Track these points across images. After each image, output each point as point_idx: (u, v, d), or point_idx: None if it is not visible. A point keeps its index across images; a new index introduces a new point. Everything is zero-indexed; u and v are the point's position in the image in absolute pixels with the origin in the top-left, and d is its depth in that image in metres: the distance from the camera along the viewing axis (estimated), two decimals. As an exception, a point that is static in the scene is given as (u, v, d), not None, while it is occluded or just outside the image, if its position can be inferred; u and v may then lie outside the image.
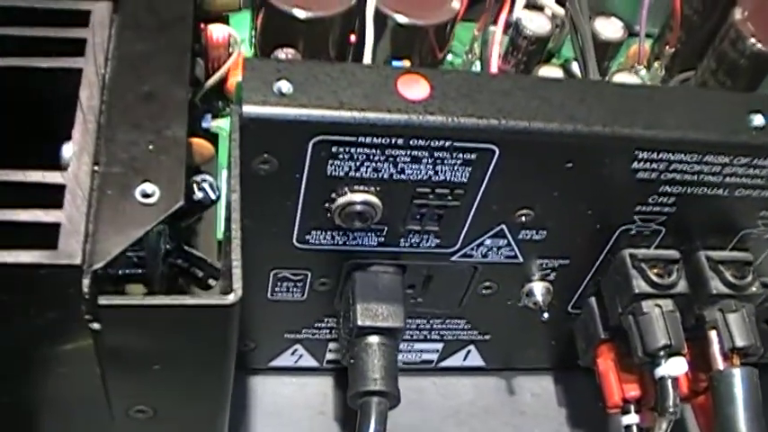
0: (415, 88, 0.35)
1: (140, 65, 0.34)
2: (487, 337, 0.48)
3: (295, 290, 0.42)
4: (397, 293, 0.40)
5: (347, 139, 0.34)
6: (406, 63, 0.41)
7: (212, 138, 0.50)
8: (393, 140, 0.34)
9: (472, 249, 0.41)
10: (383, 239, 0.39)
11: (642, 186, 0.38)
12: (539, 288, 0.43)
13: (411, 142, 0.35)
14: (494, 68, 0.52)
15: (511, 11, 0.54)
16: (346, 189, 0.36)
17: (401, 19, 0.45)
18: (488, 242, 0.40)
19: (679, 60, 0.55)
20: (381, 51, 0.45)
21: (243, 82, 0.34)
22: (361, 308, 0.40)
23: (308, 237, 0.39)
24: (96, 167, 0.31)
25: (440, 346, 0.48)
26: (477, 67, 0.54)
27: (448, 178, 0.36)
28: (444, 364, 0.50)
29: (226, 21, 0.50)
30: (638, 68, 0.55)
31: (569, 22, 0.49)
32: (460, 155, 0.35)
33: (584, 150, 0.36)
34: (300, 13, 0.44)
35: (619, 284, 0.42)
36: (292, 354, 0.47)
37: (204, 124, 0.49)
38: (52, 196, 0.30)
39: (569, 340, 0.47)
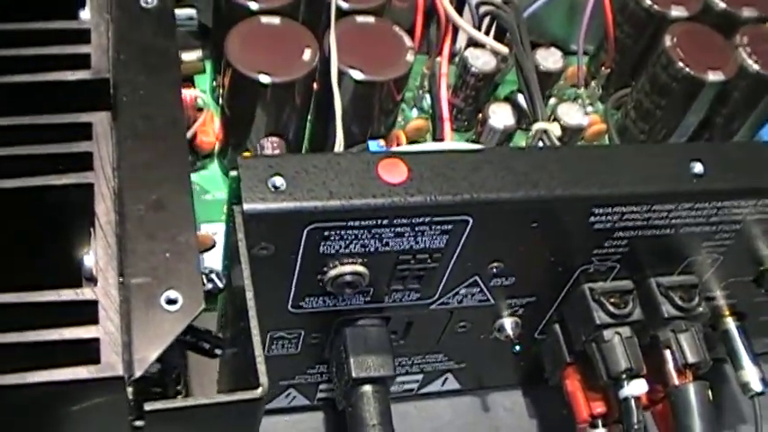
0: (395, 172, 0.40)
1: (145, 174, 0.38)
2: (463, 365, 0.54)
3: (289, 346, 0.47)
4: (385, 344, 0.46)
5: (338, 224, 0.39)
6: (382, 142, 0.46)
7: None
8: (378, 221, 0.40)
9: (449, 298, 0.46)
10: (369, 299, 0.45)
11: (599, 234, 0.44)
12: (509, 323, 0.49)
13: (395, 221, 0.40)
14: (443, 101, 0.57)
15: (453, 41, 0.60)
16: (337, 263, 0.42)
17: (358, 76, 0.50)
18: (463, 291, 0.46)
19: (614, 79, 0.62)
20: (343, 107, 0.51)
21: (240, 180, 0.39)
22: (354, 361, 0.45)
23: (301, 303, 0.44)
24: (121, 279, 0.36)
25: (420, 376, 0.54)
26: (427, 100, 0.60)
27: (427, 246, 0.42)
28: (424, 390, 0.56)
29: (191, 81, 0.55)
30: (577, 92, 0.61)
31: (513, 59, 0.55)
32: (438, 226, 0.41)
33: (548, 212, 0.42)
34: (265, 79, 0.48)
35: (581, 316, 0.48)
36: (286, 396, 0.53)
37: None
38: (84, 311, 0.35)
39: (537, 361, 0.54)
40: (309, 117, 0.54)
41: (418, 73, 0.60)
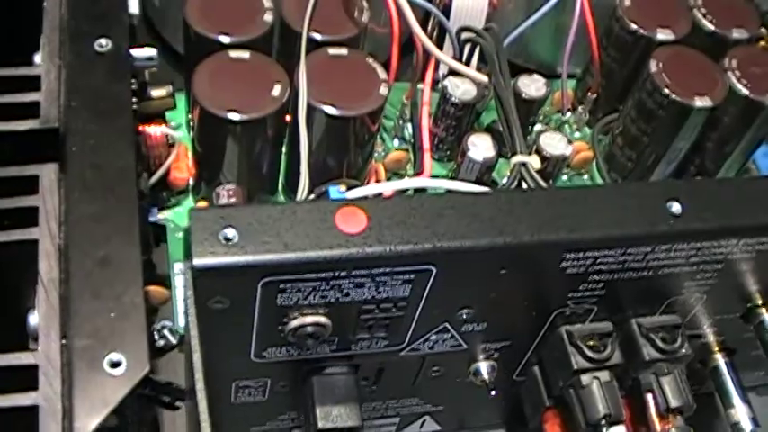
0: (353, 221, 0.39)
1: (92, 228, 0.37)
2: (440, 407, 0.53)
3: (256, 393, 0.46)
4: (353, 393, 0.44)
5: (293, 276, 0.38)
6: (342, 188, 0.45)
7: (160, 229, 0.54)
8: (336, 273, 0.39)
9: (419, 344, 0.45)
10: (335, 347, 0.43)
11: (572, 279, 0.42)
12: (484, 367, 0.48)
13: (353, 272, 0.39)
14: (424, 131, 0.56)
15: (436, 68, 0.58)
16: (297, 314, 0.40)
17: (330, 111, 0.49)
18: (434, 337, 0.45)
19: (602, 104, 0.60)
20: (317, 142, 0.50)
21: (191, 234, 0.37)
22: (320, 412, 0.44)
23: (264, 353, 0.43)
24: (64, 341, 0.35)
25: (396, 419, 0.53)
26: (408, 130, 0.59)
27: (390, 295, 0.40)
28: (402, 432, 0.55)
29: (163, 117, 0.54)
30: (562, 117, 0.60)
31: (492, 89, 0.54)
32: (400, 276, 0.40)
33: (516, 259, 0.41)
34: (234, 117, 0.47)
35: (558, 360, 0.46)
36: (259, 441, 0.52)
37: (151, 218, 0.53)
38: (24, 376, 0.34)
39: (517, 401, 0.52)
40: (284, 149, 0.53)
41: (399, 101, 0.59)
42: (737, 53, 0.56)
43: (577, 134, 0.62)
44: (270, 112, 0.48)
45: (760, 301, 0.49)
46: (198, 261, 0.36)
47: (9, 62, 0.43)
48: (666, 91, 0.54)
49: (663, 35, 0.57)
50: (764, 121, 0.56)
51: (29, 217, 0.37)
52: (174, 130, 0.56)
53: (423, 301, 0.41)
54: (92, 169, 0.39)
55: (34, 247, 0.36)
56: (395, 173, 0.58)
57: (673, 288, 0.45)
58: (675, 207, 0.42)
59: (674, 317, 0.47)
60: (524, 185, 0.49)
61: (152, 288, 0.39)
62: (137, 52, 0.45)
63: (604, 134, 0.60)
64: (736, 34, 0.58)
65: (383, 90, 0.50)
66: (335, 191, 0.44)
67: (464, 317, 0.43)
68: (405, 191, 0.51)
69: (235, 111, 0.47)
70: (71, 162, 0.38)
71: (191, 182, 0.54)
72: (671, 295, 0.46)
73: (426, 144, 0.56)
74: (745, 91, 0.55)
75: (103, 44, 0.42)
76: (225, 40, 0.51)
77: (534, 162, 0.50)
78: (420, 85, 0.58)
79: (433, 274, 0.40)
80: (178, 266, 0.52)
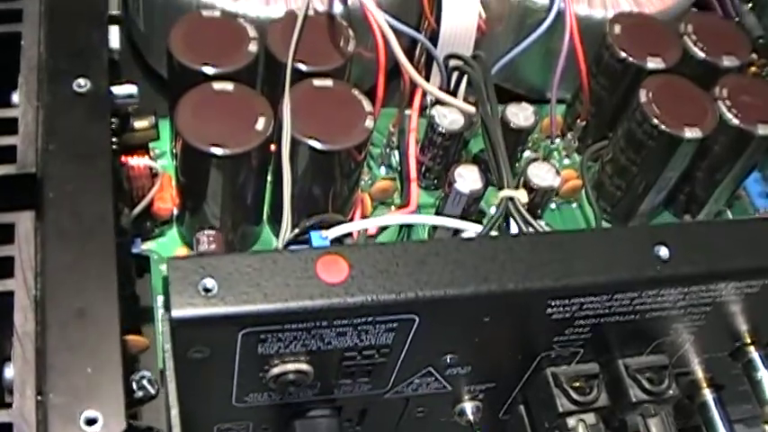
0: (334, 270, 0.38)
1: (69, 279, 0.37)
2: (427, 446, 0.53)
3: (239, 436, 0.46)
4: (336, 437, 0.44)
5: (274, 327, 0.38)
6: (325, 233, 0.45)
7: (143, 260, 0.53)
8: (318, 323, 0.38)
9: (403, 387, 0.44)
10: (317, 391, 0.43)
11: (558, 324, 0.42)
12: (469, 407, 0.47)
13: (335, 322, 0.38)
14: (411, 160, 0.56)
15: (424, 94, 0.58)
16: (278, 361, 0.40)
17: (315, 145, 0.48)
18: (418, 381, 0.44)
19: (591, 131, 0.60)
20: (302, 174, 0.49)
21: (169, 284, 0.37)
22: (302, 456, 0.44)
23: (246, 398, 0.42)
24: (39, 397, 0.35)
25: (382, 457, 0.53)
26: (395, 157, 0.58)
27: (373, 343, 0.40)
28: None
29: (146, 148, 0.53)
30: (551, 145, 0.59)
31: (480, 119, 0.53)
32: (383, 325, 0.39)
33: (500, 306, 0.40)
34: (217, 151, 0.47)
35: (543, 402, 0.46)
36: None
37: (135, 249, 0.52)
38: (-1, 434, 0.34)
39: (504, 437, 0.52)
40: (270, 178, 0.53)
41: (386, 128, 0.58)
42: (728, 82, 0.56)
43: (566, 161, 0.61)
44: (253, 147, 0.47)
45: (748, 340, 0.48)
46: (176, 313, 0.36)
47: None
48: (656, 122, 0.53)
49: (653, 64, 0.56)
50: (755, 149, 0.56)
51: (4, 268, 0.36)
52: (158, 159, 0.55)
53: (406, 348, 0.41)
54: (69, 216, 0.38)
55: (10, 299, 0.36)
56: (381, 202, 0.57)
57: (660, 330, 0.45)
58: (663, 251, 0.41)
59: (661, 357, 0.47)
60: (511, 220, 0.49)
61: (131, 338, 0.39)
62: (117, 90, 0.44)
63: (593, 161, 0.60)
64: (727, 62, 0.58)
65: (369, 123, 0.50)
66: (318, 236, 0.44)
67: (448, 361, 0.43)
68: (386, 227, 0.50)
69: (218, 145, 0.47)
70: (48, 209, 0.38)
71: (175, 211, 0.53)
72: (658, 337, 0.46)
73: (413, 173, 0.55)
74: (735, 121, 0.55)
75: (82, 84, 0.41)
76: (209, 71, 0.50)
77: (521, 196, 0.50)
78: (407, 111, 0.58)
79: (417, 323, 0.39)
80: (161, 299, 0.51)
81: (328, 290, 0.38)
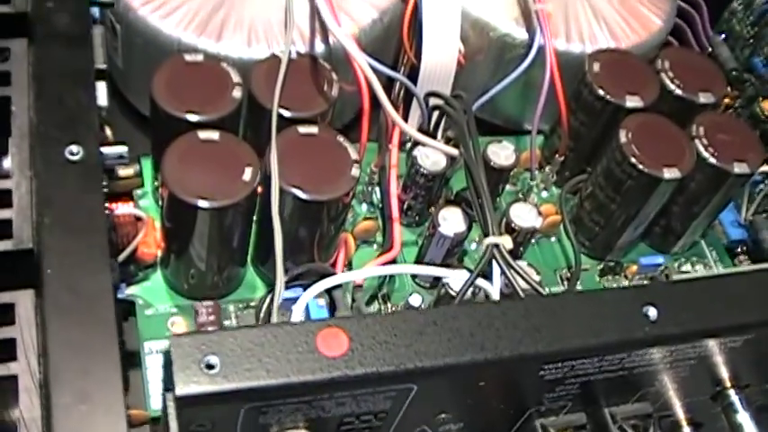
0: (335, 343, 0.39)
1: (72, 359, 0.37)
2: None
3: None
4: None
5: (276, 401, 0.39)
6: (321, 302, 0.45)
7: (128, 305, 0.54)
8: (318, 395, 0.39)
9: (397, 444, 0.46)
10: (314, 451, 0.44)
11: (549, 383, 0.43)
12: (460, 457, 0.49)
13: (335, 393, 0.39)
14: (393, 200, 0.57)
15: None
16: (277, 429, 0.41)
17: (302, 195, 0.49)
18: (411, 437, 0.46)
19: (568, 164, 0.61)
20: (288, 221, 0.50)
21: (173, 361, 0.37)
22: None
23: (243, 462, 0.43)
24: (47, 484, 0.35)
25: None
26: (377, 194, 0.59)
27: (371, 409, 0.41)
28: None
29: (130, 195, 0.54)
30: (530, 181, 0.60)
31: (463, 161, 0.54)
32: (381, 394, 0.40)
33: (495, 372, 0.41)
34: (204, 204, 0.47)
35: (534, 452, 0.48)
36: None
37: (120, 295, 0.53)
38: None
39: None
40: (255, 218, 0.53)
41: (368, 164, 0.59)
42: (704, 120, 0.58)
43: (544, 193, 0.63)
44: (241, 199, 0.48)
45: (728, 384, 0.50)
46: (181, 391, 0.37)
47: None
48: (636, 162, 0.55)
49: (631, 102, 0.58)
50: (731, 186, 0.57)
51: (7, 351, 0.37)
52: (140, 199, 0.56)
53: (402, 412, 0.42)
54: (68, 293, 0.38)
55: (13, 384, 0.36)
56: (364, 241, 0.58)
57: (646, 382, 0.47)
58: (652, 312, 0.43)
59: (645, 405, 0.48)
60: (494, 264, 0.50)
61: (133, 412, 0.39)
62: (108, 150, 0.45)
63: (572, 194, 0.61)
64: (703, 99, 0.59)
65: (355, 172, 0.50)
66: (315, 305, 0.44)
67: (442, 419, 0.44)
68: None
69: (206, 198, 0.47)
70: (47, 286, 0.38)
71: (159, 255, 0.54)
72: (644, 387, 0.47)
73: (395, 213, 0.56)
74: (712, 160, 0.56)
75: (75, 151, 0.41)
76: (193, 118, 0.50)
77: (506, 243, 0.51)
78: (390, 145, 0.58)
79: (414, 391, 0.40)
80: (148, 345, 0.52)
81: (329, 364, 0.38)
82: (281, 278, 0.45)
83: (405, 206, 0.58)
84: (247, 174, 0.49)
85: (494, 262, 0.50)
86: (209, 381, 0.37)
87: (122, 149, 0.45)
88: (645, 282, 0.61)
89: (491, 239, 0.51)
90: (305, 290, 0.47)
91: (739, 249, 0.64)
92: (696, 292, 0.45)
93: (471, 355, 0.40)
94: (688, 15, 0.66)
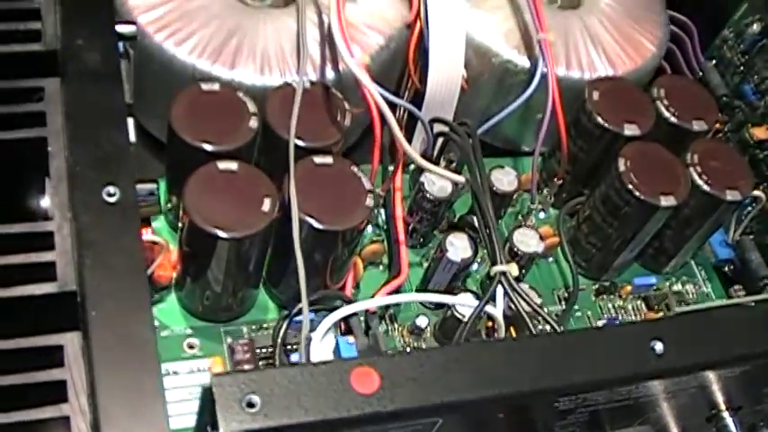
0: (367, 381, 0.42)
1: (119, 401, 0.39)
2: None
3: None
4: None
5: (311, 437, 0.41)
6: (351, 339, 0.48)
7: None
8: (351, 430, 0.42)
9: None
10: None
11: (562, 413, 0.47)
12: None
13: (367, 428, 0.42)
14: (399, 221, 0.59)
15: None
16: (308, 456, 0.44)
17: (318, 225, 0.51)
18: (429, 463, 0.49)
19: (566, 187, 0.64)
20: (303, 248, 0.52)
21: (216, 400, 0.40)
22: None
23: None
24: None
25: None
26: (382, 216, 0.61)
27: (398, 440, 0.44)
28: None
29: (147, 221, 0.56)
30: (531, 205, 0.63)
31: (470, 189, 0.57)
32: (409, 427, 0.43)
33: (513, 405, 0.44)
34: (223, 234, 0.49)
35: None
36: None
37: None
38: None
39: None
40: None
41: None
42: (698, 148, 0.61)
43: (542, 214, 0.66)
44: (260, 229, 0.50)
45: (723, 407, 0.53)
46: (225, 429, 0.39)
47: (14, 201, 0.44)
48: (634, 190, 0.58)
49: (629, 131, 0.60)
50: (723, 212, 0.61)
51: (57, 392, 0.39)
52: (154, 221, 0.58)
53: (425, 442, 0.45)
54: (113, 335, 0.40)
55: (66, 423, 0.38)
56: (371, 262, 0.60)
57: (649, 409, 0.50)
58: (659, 347, 0.46)
59: (646, 428, 0.52)
60: (498, 288, 0.53)
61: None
62: (139, 187, 0.47)
63: (569, 215, 0.64)
64: (696, 126, 0.62)
65: (369, 202, 0.53)
66: (345, 343, 0.47)
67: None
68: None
69: (226, 229, 0.49)
70: (92, 328, 0.40)
71: (174, 276, 0.56)
72: (646, 413, 0.50)
73: (401, 236, 0.59)
74: (705, 187, 0.59)
75: (112, 192, 0.43)
76: (211, 148, 0.52)
77: (513, 270, 0.54)
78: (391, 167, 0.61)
79: (439, 423, 0.43)
80: (165, 367, 0.54)
81: (362, 401, 0.41)
82: (306, 317, 0.48)
83: (410, 228, 0.61)
84: (266, 205, 0.51)
85: (500, 288, 0.53)
86: (251, 419, 0.40)
87: (152, 187, 0.47)
88: (638, 301, 0.64)
89: (499, 268, 0.53)
90: (315, 313, 0.50)
91: (726, 269, 0.67)
92: (699, 325, 0.48)
93: (493, 390, 0.43)
94: (679, 39, 0.69)
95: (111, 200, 0.43)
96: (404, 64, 0.63)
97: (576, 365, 0.44)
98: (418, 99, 0.62)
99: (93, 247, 0.42)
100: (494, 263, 0.54)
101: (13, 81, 0.46)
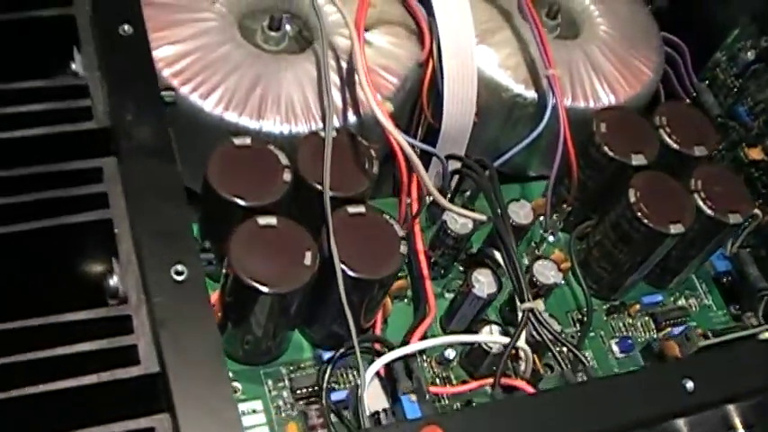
0: (435, 439, 0.46)
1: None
2: None
3: None
4: None
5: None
6: (413, 397, 0.52)
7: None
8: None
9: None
10: None
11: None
12: None
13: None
14: (421, 255, 0.63)
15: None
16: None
17: (354, 275, 0.55)
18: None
19: (573, 212, 0.69)
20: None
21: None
22: None
23: None
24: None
25: None
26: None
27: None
28: None
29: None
30: (543, 233, 0.68)
31: (494, 229, 0.61)
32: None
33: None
34: (265, 289, 0.53)
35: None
36: None
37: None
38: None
39: None
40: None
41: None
42: (700, 174, 0.66)
43: (551, 238, 0.70)
44: (304, 284, 0.54)
45: (738, 425, 0.59)
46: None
47: (81, 282, 0.47)
48: (645, 220, 0.62)
49: (636, 161, 0.65)
50: (726, 234, 0.66)
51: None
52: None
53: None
54: (199, 413, 0.43)
55: None
56: (395, 296, 0.64)
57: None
58: (689, 385, 0.51)
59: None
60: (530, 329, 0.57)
61: None
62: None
63: (578, 239, 0.69)
64: (698, 152, 0.67)
65: (403, 249, 0.57)
66: (407, 402, 0.51)
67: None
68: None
69: (271, 284, 0.52)
70: (179, 410, 0.43)
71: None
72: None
73: (425, 271, 0.63)
74: (710, 212, 0.64)
75: (180, 270, 0.47)
76: (247, 203, 0.55)
77: (539, 306, 0.58)
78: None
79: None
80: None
81: (437, 460, 0.46)
82: (360, 360, 0.52)
83: (431, 260, 0.65)
84: (308, 258, 0.54)
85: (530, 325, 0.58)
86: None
87: (210, 256, 0.50)
88: (646, 317, 0.69)
89: (527, 305, 0.58)
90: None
91: (725, 280, 0.72)
92: (723, 362, 0.53)
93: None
94: (672, 61, 0.73)
95: (180, 278, 0.47)
96: (415, 100, 0.66)
97: (614, 409, 0.49)
98: (430, 133, 0.66)
99: (169, 326, 0.45)
100: (521, 300, 0.58)
101: (71, 162, 0.48)
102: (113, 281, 0.47)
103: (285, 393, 0.59)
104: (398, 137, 0.58)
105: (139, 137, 0.50)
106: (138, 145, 0.50)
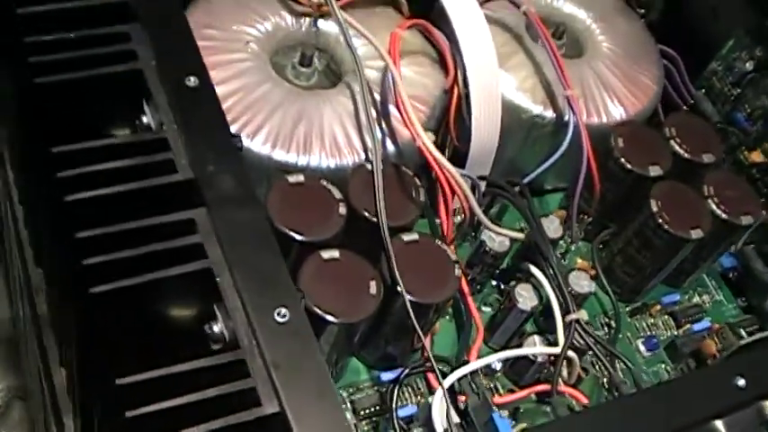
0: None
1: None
2: None
3: None
4: None
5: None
6: (504, 413, 0.57)
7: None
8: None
9: None
10: None
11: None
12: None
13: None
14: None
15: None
16: None
17: (413, 299, 0.59)
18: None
19: (592, 223, 0.74)
20: (397, 316, 0.60)
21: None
22: None
23: None
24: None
25: None
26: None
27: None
28: None
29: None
30: (569, 244, 0.73)
31: (535, 247, 0.66)
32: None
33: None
34: (341, 320, 0.57)
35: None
36: None
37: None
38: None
39: None
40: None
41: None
42: (712, 180, 0.72)
43: (572, 247, 0.76)
44: (371, 313, 0.58)
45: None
46: None
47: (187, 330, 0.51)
48: (666, 227, 0.68)
49: (654, 172, 0.71)
50: (738, 235, 0.72)
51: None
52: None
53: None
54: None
55: None
56: (439, 314, 0.69)
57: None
58: (741, 382, 0.57)
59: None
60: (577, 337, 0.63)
61: None
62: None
63: (599, 247, 0.74)
64: (707, 159, 0.73)
65: (458, 272, 0.62)
66: (498, 418, 0.56)
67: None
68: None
69: (341, 315, 0.57)
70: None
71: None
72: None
73: (466, 289, 0.68)
74: (724, 216, 0.70)
75: (283, 313, 0.50)
76: (305, 239, 0.59)
77: (583, 315, 0.64)
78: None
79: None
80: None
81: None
82: (444, 395, 0.57)
83: (468, 278, 0.70)
84: (373, 288, 0.59)
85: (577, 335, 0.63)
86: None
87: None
88: (665, 316, 0.75)
89: (573, 316, 0.63)
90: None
91: (731, 275, 0.79)
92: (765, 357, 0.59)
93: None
94: (667, 71, 0.79)
95: (284, 320, 0.50)
96: (440, 124, 0.71)
97: (672, 412, 0.54)
98: (456, 156, 0.71)
99: (282, 369, 0.49)
100: (567, 312, 0.64)
101: (167, 215, 0.52)
102: (218, 327, 0.50)
103: (348, 416, 0.63)
104: (447, 165, 0.63)
105: (223, 187, 0.53)
106: (224, 194, 0.53)
